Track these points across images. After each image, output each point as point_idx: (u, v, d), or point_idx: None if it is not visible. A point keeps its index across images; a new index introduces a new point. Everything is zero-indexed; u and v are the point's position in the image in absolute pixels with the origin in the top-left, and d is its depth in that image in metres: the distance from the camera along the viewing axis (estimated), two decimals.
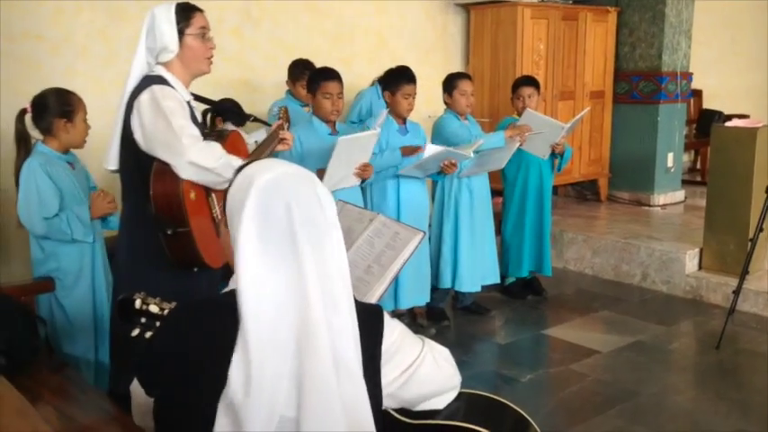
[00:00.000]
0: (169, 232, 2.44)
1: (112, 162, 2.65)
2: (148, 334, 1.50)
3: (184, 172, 2.41)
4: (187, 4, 2.59)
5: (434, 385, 1.61)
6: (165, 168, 2.44)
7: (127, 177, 2.67)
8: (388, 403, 1.54)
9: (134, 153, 2.53)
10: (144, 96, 2.47)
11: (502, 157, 4.36)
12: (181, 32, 2.54)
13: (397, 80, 4.07)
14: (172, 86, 2.53)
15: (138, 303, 1.53)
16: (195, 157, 2.40)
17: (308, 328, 1.32)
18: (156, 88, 2.48)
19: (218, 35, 4.74)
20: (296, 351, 1.33)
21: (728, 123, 5.08)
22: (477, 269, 4.46)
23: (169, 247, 2.47)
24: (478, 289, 4.54)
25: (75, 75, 4.14)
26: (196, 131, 2.49)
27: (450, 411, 1.65)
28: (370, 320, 1.47)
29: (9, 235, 3.91)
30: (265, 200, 1.37)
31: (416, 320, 4.39)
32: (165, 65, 2.57)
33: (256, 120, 3.51)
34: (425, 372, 1.56)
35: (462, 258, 4.40)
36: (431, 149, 3.94)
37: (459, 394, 1.69)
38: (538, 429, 1.66)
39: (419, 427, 1.63)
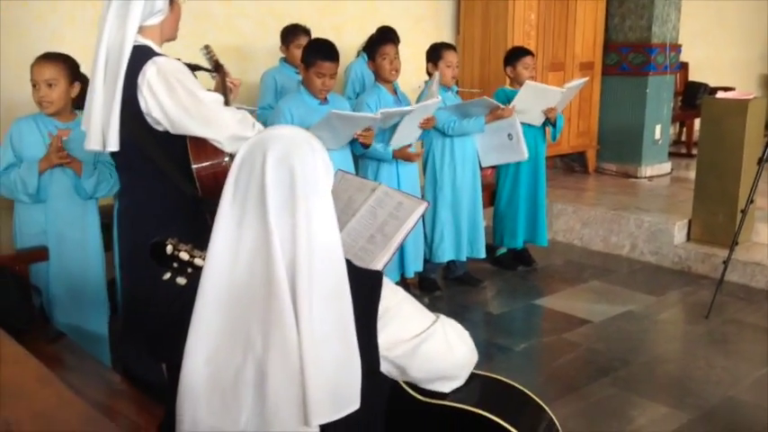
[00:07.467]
0: None
1: (112, 142, 2.31)
2: (179, 279, 1.47)
3: (230, 145, 2.27)
4: None
5: (442, 364, 1.51)
6: (203, 142, 2.28)
7: (141, 162, 2.40)
8: (391, 371, 1.47)
9: (149, 132, 2.33)
10: (151, 71, 2.28)
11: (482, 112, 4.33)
12: None
13: (374, 44, 4.11)
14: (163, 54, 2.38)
15: (169, 249, 1.50)
16: (238, 129, 2.26)
17: (273, 286, 1.30)
18: (160, 60, 2.30)
19: (207, 2, 4.72)
20: (265, 296, 1.32)
21: (719, 95, 5.09)
22: (465, 239, 4.46)
23: None
24: (464, 259, 4.52)
25: (62, 41, 4.03)
26: (222, 100, 2.34)
27: (463, 395, 1.56)
28: (365, 283, 1.43)
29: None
30: (250, 151, 1.37)
31: (409, 291, 4.38)
32: (144, 32, 2.37)
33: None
34: (431, 348, 1.47)
35: (454, 229, 4.41)
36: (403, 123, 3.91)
37: (474, 376, 1.59)
38: (558, 424, 1.58)
39: (429, 405, 1.57)
